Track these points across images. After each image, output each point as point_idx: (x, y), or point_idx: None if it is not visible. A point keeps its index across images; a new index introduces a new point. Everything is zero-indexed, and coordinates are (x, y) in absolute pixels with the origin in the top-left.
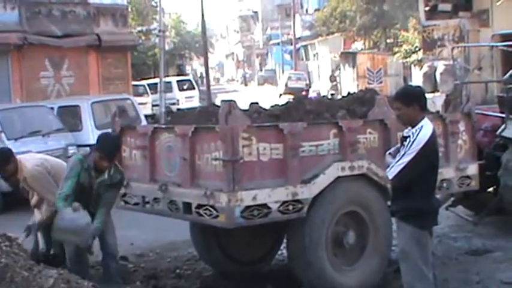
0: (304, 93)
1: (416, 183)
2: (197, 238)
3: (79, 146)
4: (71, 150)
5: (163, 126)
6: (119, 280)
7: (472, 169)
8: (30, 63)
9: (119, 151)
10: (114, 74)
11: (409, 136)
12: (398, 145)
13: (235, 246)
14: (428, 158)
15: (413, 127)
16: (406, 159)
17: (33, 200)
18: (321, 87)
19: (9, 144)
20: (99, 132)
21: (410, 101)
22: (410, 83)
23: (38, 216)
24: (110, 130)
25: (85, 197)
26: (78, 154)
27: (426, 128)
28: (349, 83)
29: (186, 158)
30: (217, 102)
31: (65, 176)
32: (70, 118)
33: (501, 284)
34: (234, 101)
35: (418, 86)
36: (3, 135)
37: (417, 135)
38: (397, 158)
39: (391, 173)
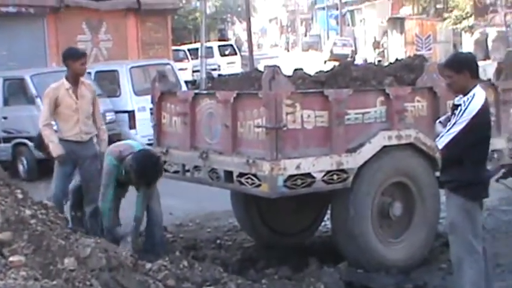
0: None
1: (467, 153)
2: (238, 208)
3: (117, 112)
4: (109, 116)
5: (205, 92)
6: (162, 250)
7: None
8: (66, 27)
9: (159, 176)
10: (154, 38)
11: (460, 104)
12: (449, 113)
13: (277, 216)
14: (480, 127)
15: (465, 95)
16: (457, 128)
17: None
18: (367, 53)
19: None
20: (138, 99)
21: (461, 67)
22: (460, 50)
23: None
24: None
25: (126, 186)
26: (114, 156)
27: (479, 96)
28: (397, 50)
29: (228, 125)
30: (260, 68)
31: (103, 183)
32: (108, 83)
33: None
34: (278, 66)
35: (469, 52)
36: (39, 100)
37: (469, 103)
38: (448, 127)
39: (441, 142)
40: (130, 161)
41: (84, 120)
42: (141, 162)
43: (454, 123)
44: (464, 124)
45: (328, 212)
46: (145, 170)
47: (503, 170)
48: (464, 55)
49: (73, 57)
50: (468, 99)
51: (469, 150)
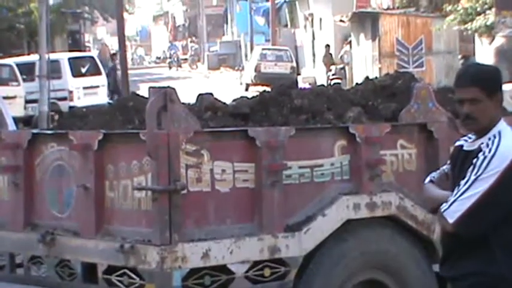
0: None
1: (497, 231)
2: None
3: None
4: None
5: (50, 132)
6: None
7: None
8: None
9: None
10: None
11: (480, 150)
12: (445, 167)
13: None
14: None
15: (482, 135)
16: (480, 188)
17: None
18: (317, 73)
19: None
20: None
21: (495, 88)
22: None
23: None
24: None
25: None
26: None
27: (508, 135)
28: (366, 66)
29: (89, 186)
30: (142, 92)
31: None
32: None
33: None
34: (173, 89)
35: (491, 66)
36: None
37: (496, 148)
38: (462, 188)
39: (452, 213)
40: None
41: None
42: None
43: (473, 181)
44: (491, 182)
45: None
46: None
47: None
48: (493, 68)
49: None
50: (492, 141)
51: (500, 227)
